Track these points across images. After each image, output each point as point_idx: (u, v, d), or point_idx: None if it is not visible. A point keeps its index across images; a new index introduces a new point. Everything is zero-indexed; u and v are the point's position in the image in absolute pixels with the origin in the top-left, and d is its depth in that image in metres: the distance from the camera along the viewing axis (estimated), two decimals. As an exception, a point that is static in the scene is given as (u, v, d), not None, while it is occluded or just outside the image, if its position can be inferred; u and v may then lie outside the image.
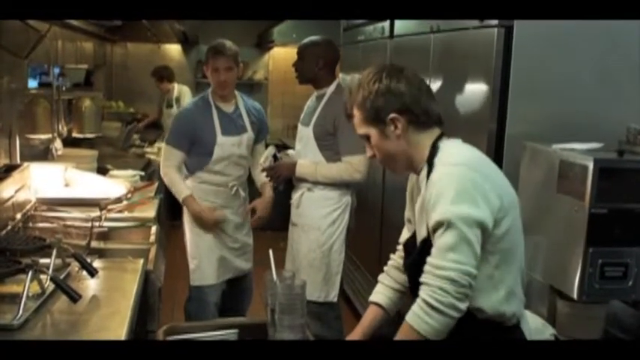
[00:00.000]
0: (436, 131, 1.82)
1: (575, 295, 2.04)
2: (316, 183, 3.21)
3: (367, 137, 1.86)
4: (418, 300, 1.64)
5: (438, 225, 1.65)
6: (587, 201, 1.98)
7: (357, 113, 1.85)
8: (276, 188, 3.36)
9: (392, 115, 1.78)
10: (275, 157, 3.35)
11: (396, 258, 2.05)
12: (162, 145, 3.53)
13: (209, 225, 3.32)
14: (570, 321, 2.13)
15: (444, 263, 1.61)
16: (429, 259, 1.66)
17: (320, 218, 3.21)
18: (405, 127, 1.79)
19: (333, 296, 3.25)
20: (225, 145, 3.28)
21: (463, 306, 1.61)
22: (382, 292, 2.01)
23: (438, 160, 1.75)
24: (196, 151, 3.32)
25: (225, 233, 3.42)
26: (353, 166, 3.13)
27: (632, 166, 2.06)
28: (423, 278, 1.65)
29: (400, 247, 2.03)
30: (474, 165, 1.72)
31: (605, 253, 2.00)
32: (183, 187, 3.31)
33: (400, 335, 1.68)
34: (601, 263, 2.00)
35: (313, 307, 3.21)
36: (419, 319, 1.62)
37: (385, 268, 2.07)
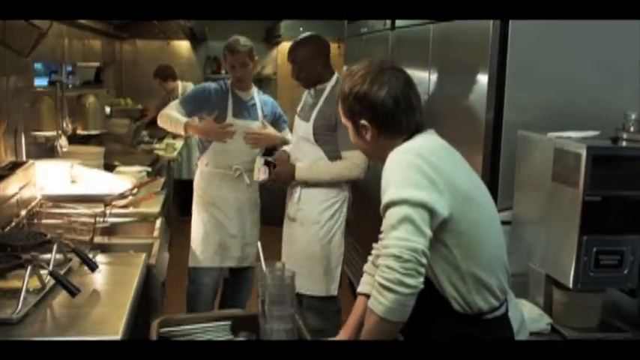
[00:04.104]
0: (408, 133, 1.83)
1: (570, 284, 2.02)
2: (317, 183, 3.20)
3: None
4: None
5: (384, 208, 1.69)
6: (580, 189, 1.96)
7: (340, 103, 1.91)
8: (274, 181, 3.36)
9: (362, 122, 1.83)
10: (267, 163, 3.32)
11: (380, 247, 2.04)
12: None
13: (217, 133, 3.37)
14: (566, 310, 2.12)
15: (387, 242, 1.63)
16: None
17: (319, 212, 3.21)
18: (375, 135, 1.84)
19: (333, 289, 3.25)
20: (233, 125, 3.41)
21: (413, 281, 1.58)
22: (369, 283, 2.00)
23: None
24: None
25: (227, 217, 3.53)
26: (352, 161, 3.12)
27: (626, 153, 2.04)
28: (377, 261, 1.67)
29: (383, 236, 2.03)
30: (421, 153, 1.73)
31: (599, 241, 1.98)
32: (179, 116, 3.42)
33: (365, 323, 1.68)
34: (596, 251, 1.98)
35: (315, 302, 3.23)
36: (374, 300, 1.63)
37: (370, 258, 2.07)
